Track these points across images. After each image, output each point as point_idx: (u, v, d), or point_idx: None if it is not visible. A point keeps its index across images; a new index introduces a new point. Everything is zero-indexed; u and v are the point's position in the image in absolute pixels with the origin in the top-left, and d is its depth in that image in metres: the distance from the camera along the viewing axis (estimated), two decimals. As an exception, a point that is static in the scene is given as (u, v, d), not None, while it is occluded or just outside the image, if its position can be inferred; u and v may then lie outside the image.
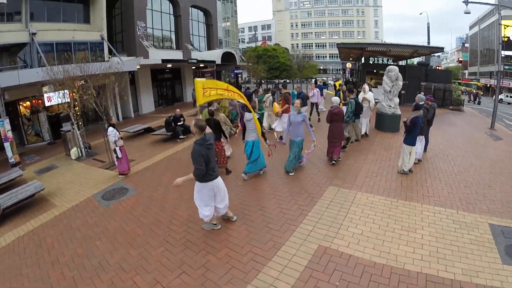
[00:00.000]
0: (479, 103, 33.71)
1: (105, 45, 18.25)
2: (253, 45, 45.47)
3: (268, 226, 5.01)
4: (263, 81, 36.82)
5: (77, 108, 10.89)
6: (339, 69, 68.09)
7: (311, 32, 79.38)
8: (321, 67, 69.94)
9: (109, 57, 17.59)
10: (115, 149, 7.93)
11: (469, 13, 14.84)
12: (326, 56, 76.90)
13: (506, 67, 50.50)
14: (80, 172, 9.23)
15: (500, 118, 19.05)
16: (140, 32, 21.25)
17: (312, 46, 76.98)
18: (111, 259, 4.58)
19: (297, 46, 68.88)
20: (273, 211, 5.48)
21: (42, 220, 6.32)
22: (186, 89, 27.21)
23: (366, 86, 10.53)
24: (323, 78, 47.63)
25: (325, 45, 76.89)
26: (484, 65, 64.88)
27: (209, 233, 4.96)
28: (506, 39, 19.84)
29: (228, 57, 27.17)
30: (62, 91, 10.25)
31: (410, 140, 6.88)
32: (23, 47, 15.03)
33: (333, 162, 7.71)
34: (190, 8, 27.59)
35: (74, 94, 10.48)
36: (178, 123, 11.66)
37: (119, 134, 8.03)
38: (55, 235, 5.57)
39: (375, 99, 10.98)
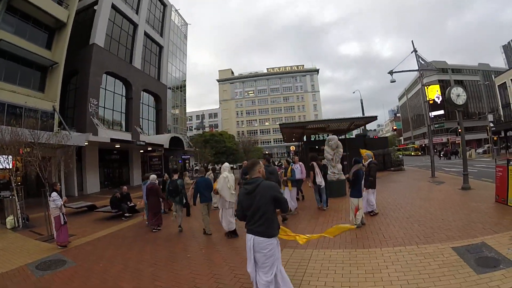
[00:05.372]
0: (449, 158, 35.14)
1: (56, 117, 17.92)
2: (200, 132, 47.09)
3: (224, 291, 4.47)
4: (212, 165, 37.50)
5: (18, 177, 10.50)
6: (284, 152, 72.12)
7: (256, 119, 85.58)
8: (267, 152, 73.41)
9: (58, 129, 17.03)
10: (60, 214, 7.45)
11: (395, 81, 17.02)
12: (270, 141, 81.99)
13: (436, 125, 57.47)
14: (14, 242, 8.53)
15: (439, 168, 20.65)
16: (91, 109, 21.18)
17: (257, 132, 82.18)
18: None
19: (243, 133, 72.75)
20: (227, 277, 4.97)
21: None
22: (133, 172, 26.62)
23: (223, 167, 7.77)
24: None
25: (269, 131, 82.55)
26: (417, 129, 73.18)
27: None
28: (431, 101, 22.43)
29: (176, 142, 27.46)
30: (6, 156, 10.12)
31: (355, 193, 7.07)
32: (-27, 100, 14.33)
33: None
34: (142, 92, 28.67)
35: (17, 162, 10.19)
36: (127, 202, 11.14)
37: (63, 198, 7.86)
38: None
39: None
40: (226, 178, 7.10)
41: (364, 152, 8.97)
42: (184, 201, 8.28)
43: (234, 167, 37.16)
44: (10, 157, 10.26)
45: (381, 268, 4.59)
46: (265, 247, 3.17)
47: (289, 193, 8.76)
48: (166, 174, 10.06)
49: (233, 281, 4.77)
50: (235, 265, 5.47)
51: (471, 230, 5.87)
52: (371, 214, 7.87)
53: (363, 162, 8.12)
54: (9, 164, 10.30)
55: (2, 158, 10.29)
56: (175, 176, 8.85)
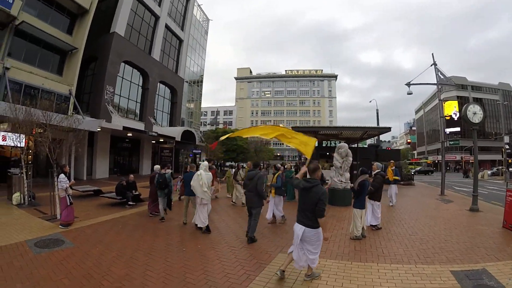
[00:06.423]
0: (467, 176, 34.60)
1: (71, 101, 18.27)
2: (213, 128, 47.22)
3: (209, 288, 4.49)
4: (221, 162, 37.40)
5: (29, 156, 10.69)
6: (295, 156, 71.70)
7: (270, 120, 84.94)
8: (278, 154, 73.02)
9: (72, 113, 17.32)
10: (66, 196, 7.71)
11: (411, 93, 16.74)
12: (282, 143, 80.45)
13: (451, 142, 56.23)
14: (17, 218, 8.70)
15: (450, 186, 20.33)
16: (107, 96, 21.48)
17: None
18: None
19: (256, 133, 72.35)
20: (218, 275, 4.94)
21: (-35, 253, 5.51)
22: (143, 161, 26.90)
23: (201, 165, 8.17)
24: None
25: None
26: (431, 144, 71.87)
27: (144, 291, 4.33)
28: (448, 117, 21.97)
29: (188, 136, 27.50)
30: (18, 134, 10.34)
31: (359, 204, 6.93)
32: (-8, 78, 14.73)
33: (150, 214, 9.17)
34: (158, 83, 28.80)
35: (29, 141, 10.45)
36: (132, 190, 11.30)
37: (71, 181, 8.01)
38: (-26, 269, 4.81)
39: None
40: (200, 176, 7.39)
41: (393, 164, 8.83)
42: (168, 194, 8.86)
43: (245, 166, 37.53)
44: (22, 136, 10.53)
45: (375, 284, 4.45)
46: (314, 235, 4.30)
47: (272, 200, 8.48)
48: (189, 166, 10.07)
49: (223, 280, 4.74)
50: (228, 263, 5.45)
51: (473, 254, 5.70)
52: (374, 228, 7.71)
53: (372, 172, 7.98)
54: (21, 143, 10.53)
55: (14, 136, 10.57)
56: (167, 170, 9.26)
